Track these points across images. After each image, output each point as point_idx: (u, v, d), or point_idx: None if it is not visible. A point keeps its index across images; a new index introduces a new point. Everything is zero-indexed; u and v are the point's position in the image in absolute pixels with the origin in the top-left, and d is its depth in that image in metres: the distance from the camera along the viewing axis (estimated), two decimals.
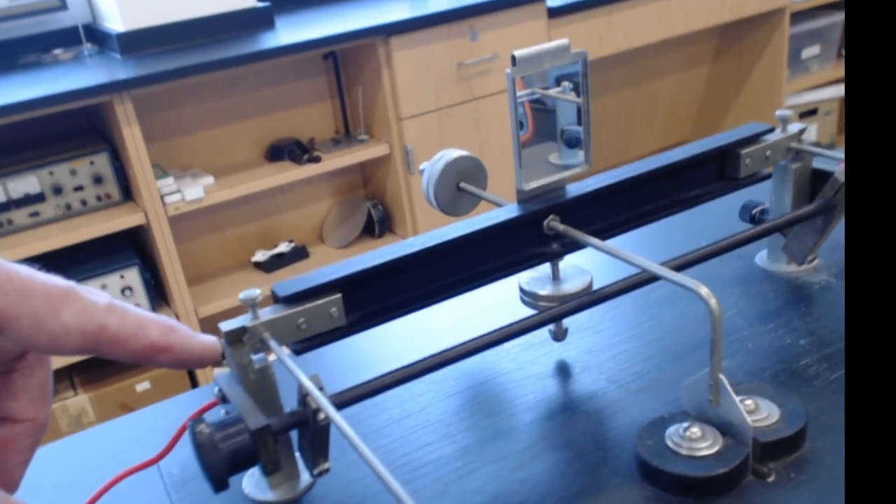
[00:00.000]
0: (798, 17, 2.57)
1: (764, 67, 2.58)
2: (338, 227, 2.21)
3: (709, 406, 0.40)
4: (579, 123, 0.49)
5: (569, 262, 0.49)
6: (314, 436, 0.37)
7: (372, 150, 2.03)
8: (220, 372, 0.41)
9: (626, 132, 2.71)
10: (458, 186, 0.53)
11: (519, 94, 0.47)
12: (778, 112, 0.54)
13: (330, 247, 2.19)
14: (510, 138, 0.47)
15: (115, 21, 1.88)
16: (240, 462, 0.36)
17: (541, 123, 0.50)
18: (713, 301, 0.37)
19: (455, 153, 0.53)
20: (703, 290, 0.38)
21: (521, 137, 0.47)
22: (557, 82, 0.50)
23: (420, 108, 1.99)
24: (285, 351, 0.39)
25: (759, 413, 0.41)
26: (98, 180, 1.81)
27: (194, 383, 1.97)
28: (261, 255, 2.09)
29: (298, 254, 2.10)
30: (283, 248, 2.10)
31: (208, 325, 1.95)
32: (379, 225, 2.14)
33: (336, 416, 0.34)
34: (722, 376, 0.38)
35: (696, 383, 0.40)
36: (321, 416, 0.36)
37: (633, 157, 2.75)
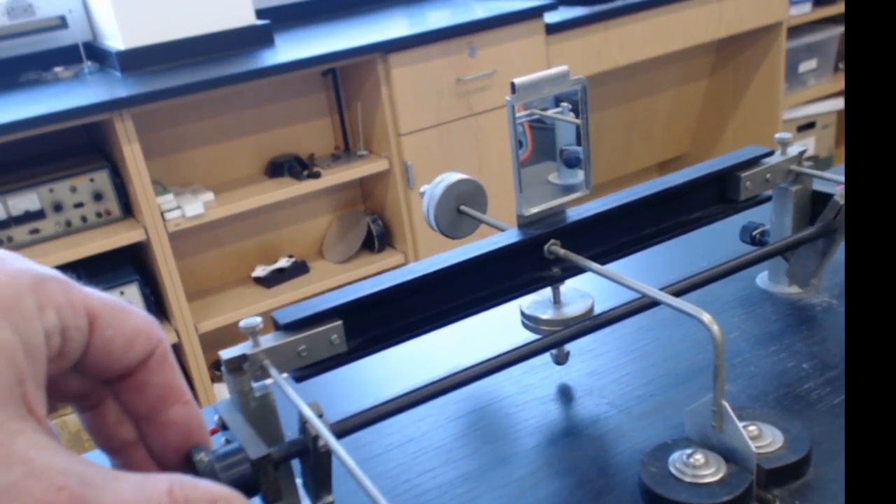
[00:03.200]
0: (795, 31, 2.58)
1: (761, 82, 2.59)
2: (338, 243, 2.21)
3: (712, 432, 0.40)
4: (578, 143, 0.49)
5: (570, 285, 0.49)
6: (315, 465, 0.37)
7: (371, 166, 2.04)
8: (221, 401, 0.41)
9: (625, 147, 2.72)
10: (459, 209, 0.53)
11: (518, 114, 0.47)
12: (777, 135, 0.54)
13: (330, 262, 2.19)
14: (509, 154, 0.47)
15: (116, 39, 1.89)
16: (241, 492, 0.35)
17: (540, 142, 0.50)
18: (715, 328, 0.37)
19: (455, 176, 0.53)
20: (706, 317, 0.38)
21: (520, 157, 0.47)
22: (556, 102, 0.50)
23: (419, 124, 1.99)
24: (285, 378, 0.38)
25: (763, 439, 0.40)
26: (98, 197, 1.81)
27: (195, 398, 1.96)
28: (261, 271, 2.09)
29: (298, 269, 2.10)
30: (283, 263, 2.10)
31: (209, 339, 1.95)
32: (378, 240, 2.14)
33: (335, 445, 0.34)
34: (725, 403, 0.38)
35: (699, 409, 0.40)
36: (321, 443, 0.36)
37: (631, 171, 2.76)
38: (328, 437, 0.34)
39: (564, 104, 0.50)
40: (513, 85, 0.45)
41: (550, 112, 0.50)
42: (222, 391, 2.01)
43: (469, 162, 2.07)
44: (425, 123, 2.00)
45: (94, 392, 0.32)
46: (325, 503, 0.38)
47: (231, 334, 2.10)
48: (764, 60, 2.56)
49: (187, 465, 0.33)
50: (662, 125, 2.78)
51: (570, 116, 0.49)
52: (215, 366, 2.08)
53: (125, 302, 0.30)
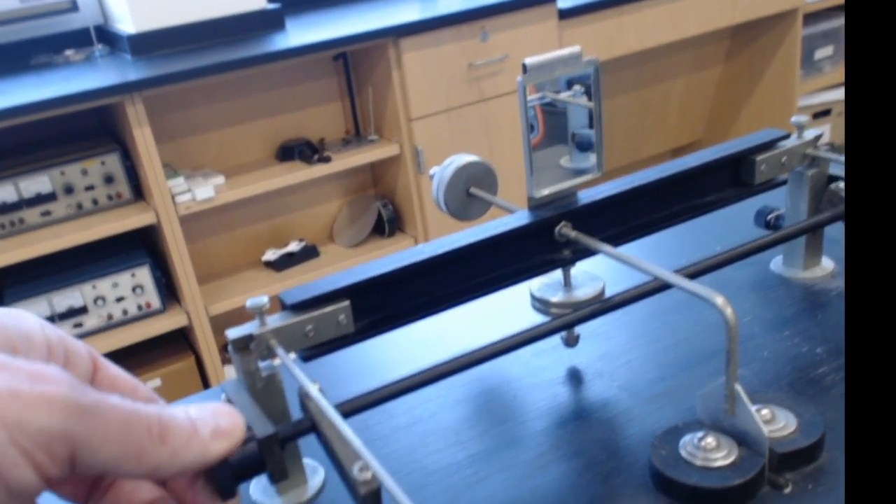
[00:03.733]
0: (811, 18, 2.55)
1: (776, 68, 2.56)
2: (348, 227, 2.21)
3: (724, 416, 0.39)
4: (590, 127, 0.49)
5: (580, 268, 0.48)
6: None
7: (382, 151, 2.03)
8: (228, 380, 0.41)
9: (638, 133, 2.70)
10: (468, 192, 0.52)
11: (530, 98, 0.46)
12: (793, 118, 0.53)
13: (340, 246, 2.19)
14: (520, 139, 0.46)
15: (126, 22, 1.89)
16: (247, 471, 0.35)
17: (551, 126, 0.50)
18: (729, 311, 0.37)
19: (465, 158, 0.52)
20: (719, 300, 0.37)
21: (531, 141, 0.46)
22: (569, 85, 0.49)
23: (430, 109, 1.98)
24: (292, 358, 0.38)
25: (776, 423, 0.40)
26: (109, 180, 1.81)
27: (205, 381, 1.97)
28: (271, 255, 2.09)
29: (309, 253, 2.10)
30: (294, 247, 2.10)
31: (219, 322, 1.96)
32: (389, 224, 2.13)
33: (340, 423, 0.33)
34: (738, 386, 0.38)
35: (711, 393, 0.40)
36: (325, 421, 0.36)
37: (644, 157, 2.74)
38: (333, 415, 0.34)
39: (577, 87, 0.49)
40: (524, 65, 0.44)
41: (563, 95, 0.49)
42: (233, 373, 2.02)
43: (480, 147, 2.06)
44: (436, 108, 1.99)
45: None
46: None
47: (241, 317, 2.11)
48: (779, 47, 2.53)
49: None
50: (676, 112, 2.75)
51: (583, 100, 0.49)
52: (226, 348, 2.09)
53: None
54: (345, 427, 0.32)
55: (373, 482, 0.31)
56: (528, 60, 0.45)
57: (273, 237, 2.18)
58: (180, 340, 2.00)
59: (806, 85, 2.60)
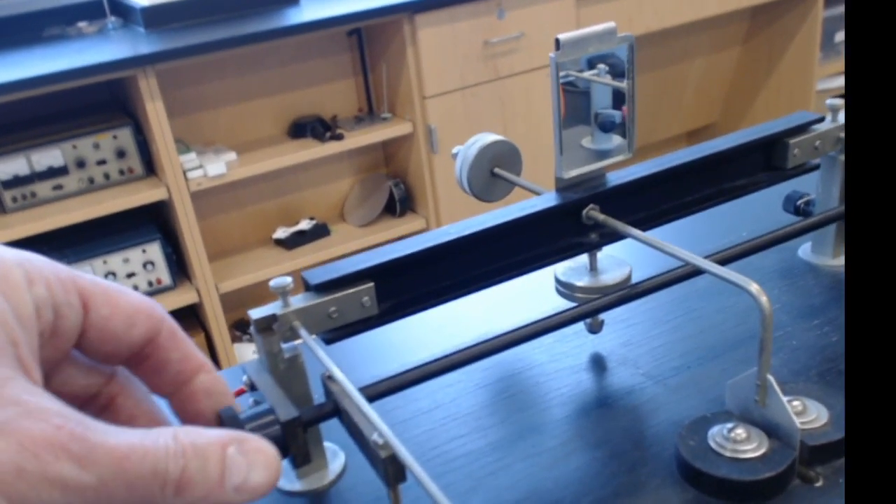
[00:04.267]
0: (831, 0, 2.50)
1: (795, 50, 2.52)
2: (359, 206, 2.20)
3: (754, 407, 0.38)
4: (615, 107, 0.47)
5: (606, 252, 0.47)
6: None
7: (395, 129, 2.02)
8: (249, 361, 0.40)
9: (654, 113, 2.67)
10: (493, 172, 0.51)
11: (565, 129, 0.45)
12: (828, 101, 0.51)
13: (351, 225, 2.18)
14: (535, 118, 0.45)
15: None
16: None
17: (573, 106, 0.48)
18: (764, 299, 0.36)
19: (490, 137, 0.51)
20: (753, 287, 0.36)
21: (561, 135, 0.45)
22: (591, 65, 0.48)
23: (444, 87, 1.96)
24: (314, 339, 0.37)
25: (808, 415, 0.39)
26: (121, 154, 1.81)
27: (215, 358, 1.98)
28: (282, 232, 2.09)
29: (319, 231, 2.09)
30: (304, 225, 2.09)
31: (229, 300, 1.96)
32: (400, 204, 2.12)
33: (365, 406, 0.33)
34: (770, 377, 0.37)
35: (741, 382, 0.39)
36: (347, 403, 0.35)
37: (660, 138, 2.71)
38: (359, 399, 0.33)
39: (601, 66, 0.48)
40: (557, 41, 0.43)
41: (587, 74, 0.48)
42: (243, 351, 2.02)
43: (494, 126, 2.04)
44: (451, 86, 1.97)
45: (102, 390, 0.31)
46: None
47: (251, 295, 2.11)
48: (799, 29, 2.49)
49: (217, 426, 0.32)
50: (693, 93, 2.72)
51: (608, 79, 0.47)
52: (236, 326, 2.10)
53: (119, 284, 0.30)
54: (369, 409, 0.31)
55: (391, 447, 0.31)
56: (563, 36, 0.43)
57: (284, 215, 2.17)
58: (190, 317, 2.00)
59: (825, 68, 2.56)
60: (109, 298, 0.29)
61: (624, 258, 0.48)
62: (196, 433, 0.27)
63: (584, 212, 0.45)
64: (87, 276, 0.29)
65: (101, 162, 1.79)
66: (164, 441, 0.26)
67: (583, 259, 0.47)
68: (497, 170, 0.51)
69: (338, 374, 0.35)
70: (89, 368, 0.31)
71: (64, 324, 0.28)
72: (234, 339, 2.04)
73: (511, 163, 0.52)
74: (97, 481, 0.24)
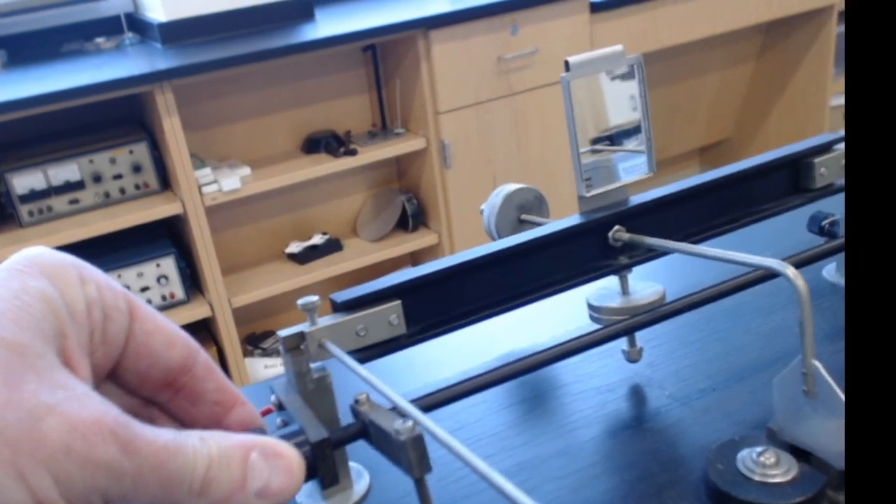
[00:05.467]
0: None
1: (809, 66, 2.52)
2: (372, 221, 2.21)
3: (803, 401, 0.38)
4: (632, 127, 0.48)
5: (637, 275, 0.47)
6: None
7: (408, 144, 2.02)
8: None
9: (668, 129, 2.67)
10: (520, 219, 0.52)
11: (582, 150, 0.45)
12: None
13: (363, 240, 2.18)
14: (549, 134, 0.46)
15: (157, 11, 1.89)
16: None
17: (588, 126, 0.48)
18: (800, 282, 0.35)
19: (514, 186, 0.52)
20: (790, 271, 0.36)
21: (580, 159, 0.45)
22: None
23: (458, 103, 1.97)
24: (346, 355, 0.37)
25: (838, 437, 0.38)
26: (137, 169, 1.82)
27: (226, 372, 1.97)
28: (295, 247, 2.09)
29: (332, 246, 2.10)
30: (317, 240, 2.10)
31: (242, 314, 1.96)
32: (413, 219, 2.13)
33: (425, 420, 0.32)
34: (817, 363, 0.36)
35: (787, 376, 0.38)
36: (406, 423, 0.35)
37: (674, 154, 2.71)
38: (417, 414, 0.33)
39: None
40: (567, 63, 0.43)
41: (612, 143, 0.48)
42: (254, 365, 2.02)
43: (508, 143, 2.04)
44: (464, 102, 1.98)
45: (140, 412, 0.31)
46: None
47: (264, 310, 2.12)
48: (813, 44, 2.48)
49: None
50: (706, 109, 2.72)
51: (622, 98, 0.48)
52: (248, 340, 2.10)
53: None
54: (435, 427, 0.31)
55: (413, 429, 0.31)
56: (572, 59, 0.44)
57: (297, 230, 2.18)
58: (203, 332, 2.01)
59: (839, 83, 2.55)
60: (154, 316, 0.30)
61: (653, 281, 0.48)
62: (222, 436, 0.27)
63: (611, 233, 0.45)
64: (138, 298, 0.30)
65: (118, 176, 1.81)
66: (192, 442, 0.26)
67: (614, 283, 0.47)
68: (524, 216, 0.52)
69: (376, 382, 0.34)
70: (129, 393, 0.31)
71: (113, 328, 0.28)
72: (246, 354, 2.04)
73: (537, 208, 0.52)
74: (136, 470, 0.24)
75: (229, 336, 1.93)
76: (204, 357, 0.31)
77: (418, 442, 0.32)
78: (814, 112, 2.53)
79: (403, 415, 0.33)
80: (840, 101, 2.58)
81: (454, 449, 0.29)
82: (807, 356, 0.36)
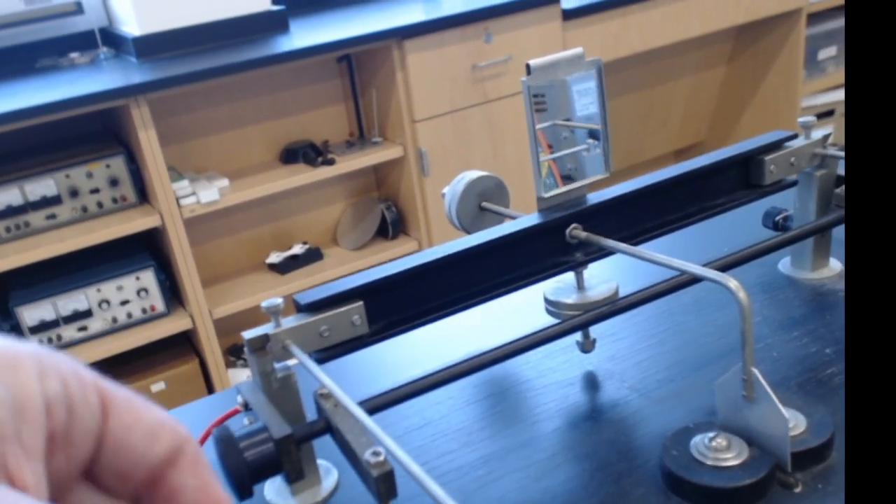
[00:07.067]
0: (814, 18, 2.55)
1: (780, 69, 2.56)
2: (352, 229, 2.22)
3: (742, 404, 0.39)
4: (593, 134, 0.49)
5: (592, 271, 0.49)
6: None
7: (386, 153, 2.03)
8: (243, 381, 0.41)
9: (641, 133, 2.70)
10: (480, 206, 0.53)
11: (539, 126, 0.46)
12: (800, 119, 0.53)
13: (344, 248, 2.19)
14: (524, 140, 0.47)
15: (131, 25, 1.89)
16: (264, 470, 0.35)
17: (553, 135, 0.50)
18: (741, 294, 0.37)
19: (475, 174, 0.53)
20: (732, 283, 0.37)
21: (539, 157, 0.47)
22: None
23: (434, 111, 1.99)
24: (307, 356, 0.38)
25: (776, 428, 0.40)
26: (114, 183, 1.82)
27: (209, 384, 1.98)
28: (275, 257, 2.10)
29: (313, 255, 2.10)
30: (298, 249, 2.10)
31: (223, 325, 1.96)
32: (393, 227, 2.14)
33: (363, 416, 0.34)
34: (755, 371, 0.38)
35: (729, 380, 0.40)
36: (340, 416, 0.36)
37: (648, 158, 2.74)
38: (353, 408, 0.34)
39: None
40: (528, 66, 0.45)
41: (571, 124, 0.49)
42: (237, 376, 2.02)
43: (484, 149, 2.06)
44: (440, 110, 1.99)
45: None
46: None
47: (245, 320, 2.11)
48: (783, 47, 2.53)
49: None
50: (679, 112, 2.76)
51: (590, 124, 0.49)
52: (230, 351, 2.10)
53: (143, 398, 0.26)
54: (367, 419, 0.32)
55: (385, 465, 0.32)
56: (533, 62, 0.45)
57: (277, 240, 2.18)
58: (184, 344, 2.01)
59: (809, 85, 2.60)
60: (132, 406, 0.25)
61: (609, 276, 0.50)
62: None
63: (568, 231, 0.46)
64: (111, 384, 0.25)
65: (95, 191, 1.81)
66: None
67: (570, 278, 0.48)
68: (485, 204, 0.53)
69: (333, 387, 0.36)
70: (111, 496, 0.26)
71: (80, 427, 0.24)
72: (229, 365, 2.04)
73: (498, 196, 0.53)
74: None
75: (211, 347, 1.93)
76: (192, 449, 0.26)
77: (389, 477, 0.33)
78: (785, 113, 2.57)
79: (368, 433, 0.33)
80: (810, 101, 2.62)
81: (395, 453, 0.30)
82: (746, 363, 0.38)
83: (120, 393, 0.25)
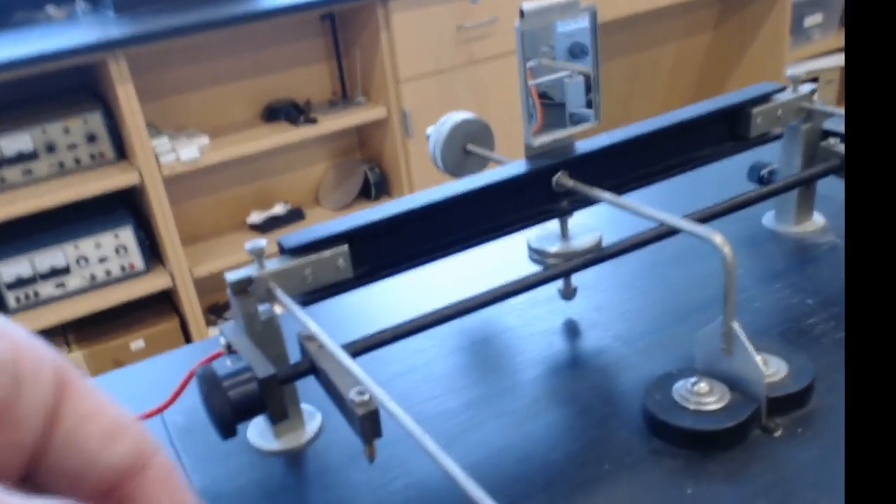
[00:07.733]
0: None
1: (766, 35, 2.55)
2: (334, 190, 2.20)
3: (721, 357, 0.40)
4: (588, 106, 0.49)
5: (577, 220, 0.49)
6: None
7: (369, 113, 2.01)
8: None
9: (627, 99, 2.69)
10: (465, 149, 0.52)
11: (529, 64, 0.46)
12: (789, 72, 0.53)
13: (326, 209, 2.18)
14: (510, 102, 0.46)
15: None
16: (248, 409, 0.35)
17: (550, 115, 0.50)
18: (727, 249, 0.37)
19: (461, 115, 0.52)
20: (717, 238, 0.37)
21: (530, 103, 0.46)
22: (572, 54, 0.50)
23: (419, 71, 1.96)
24: (290, 299, 0.38)
25: (768, 369, 0.40)
26: (92, 139, 1.79)
27: (188, 342, 1.97)
28: (256, 217, 2.08)
29: (294, 216, 2.09)
30: (279, 209, 2.09)
31: (203, 284, 1.95)
32: (375, 188, 2.12)
33: (346, 358, 0.34)
34: (735, 325, 0.38)
35: (709, 333, 0.40)
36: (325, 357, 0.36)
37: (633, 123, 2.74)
38: (332, 346, 0.34)
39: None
40: (521, 11, 0.44)
41: (560, 65, 0.49)
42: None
43: (469, 110, 2.04)
44: (425, 71, 1.97)
45: None
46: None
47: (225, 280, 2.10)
48: (769, 14, 2.52)
49: None
50: (665, 79, 2.75)
51: (580, 66, 0.49)
52: (210, 310, 2.09)
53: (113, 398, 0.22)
54: (350, 361, 0.32)
55: (370, 404, 0.32)
56: (526, 6, 0.44)
57: (258, 199, 2.16)
58: (164, 302, 1.99)
59: (795, 52, 2.60)
60: (93, 397, 0.21)
61: (594, 226, 0.50)
62: None
63: (554, 179, 0.46)
64: (75, 369, 0.22)
65: (72, 146, 1.77)
66: None
67: (555, 226, 0.48)
68: (470, 146, 0.52)
69: (316, 329, 0.35)
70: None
71: (26, 402, 0.20)
72: (209, 324, 2.03)
73: (483, 139, 0.53)
74: None
75: (191, 306, 1.92)
76: (161, 463, 0.22)
77: (373, 416, 0.33)
78: (770, 80, 2.56)
79: (353, 374, 0.33)
80: (795, 69, 2.62)
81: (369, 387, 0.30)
82: (727, 318, 0.38)
83: (82, 381, 0.22)
